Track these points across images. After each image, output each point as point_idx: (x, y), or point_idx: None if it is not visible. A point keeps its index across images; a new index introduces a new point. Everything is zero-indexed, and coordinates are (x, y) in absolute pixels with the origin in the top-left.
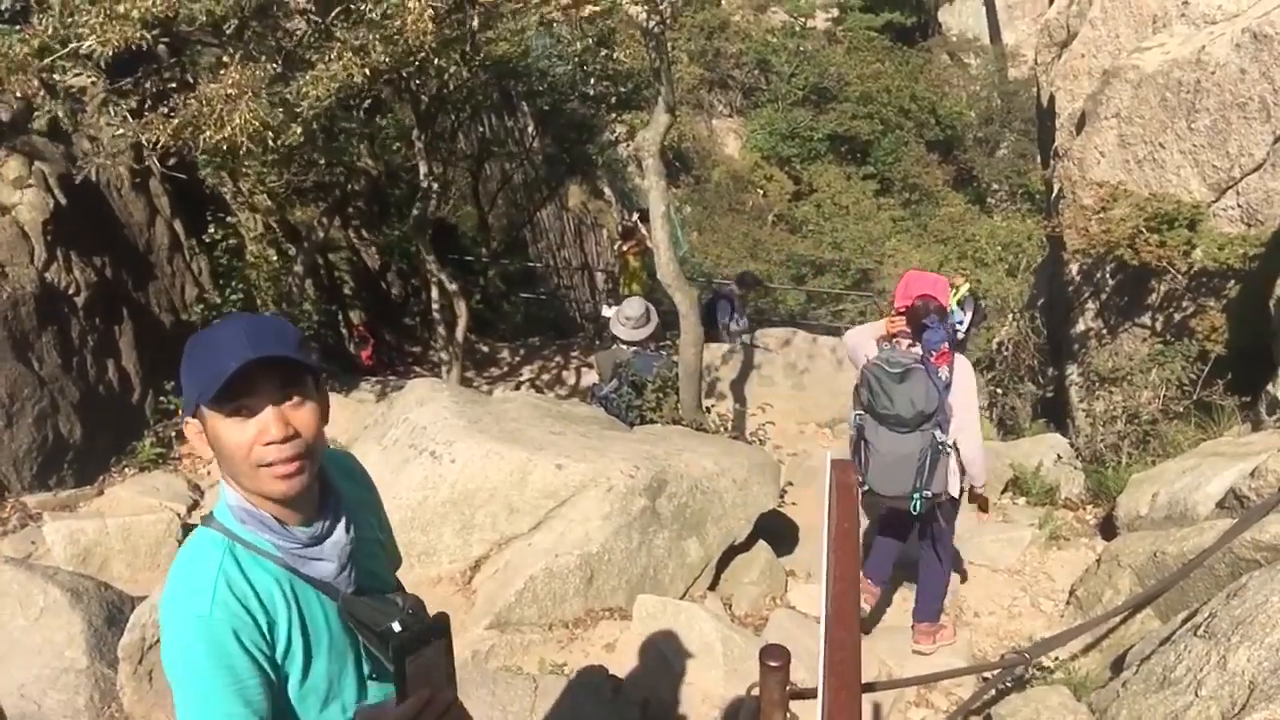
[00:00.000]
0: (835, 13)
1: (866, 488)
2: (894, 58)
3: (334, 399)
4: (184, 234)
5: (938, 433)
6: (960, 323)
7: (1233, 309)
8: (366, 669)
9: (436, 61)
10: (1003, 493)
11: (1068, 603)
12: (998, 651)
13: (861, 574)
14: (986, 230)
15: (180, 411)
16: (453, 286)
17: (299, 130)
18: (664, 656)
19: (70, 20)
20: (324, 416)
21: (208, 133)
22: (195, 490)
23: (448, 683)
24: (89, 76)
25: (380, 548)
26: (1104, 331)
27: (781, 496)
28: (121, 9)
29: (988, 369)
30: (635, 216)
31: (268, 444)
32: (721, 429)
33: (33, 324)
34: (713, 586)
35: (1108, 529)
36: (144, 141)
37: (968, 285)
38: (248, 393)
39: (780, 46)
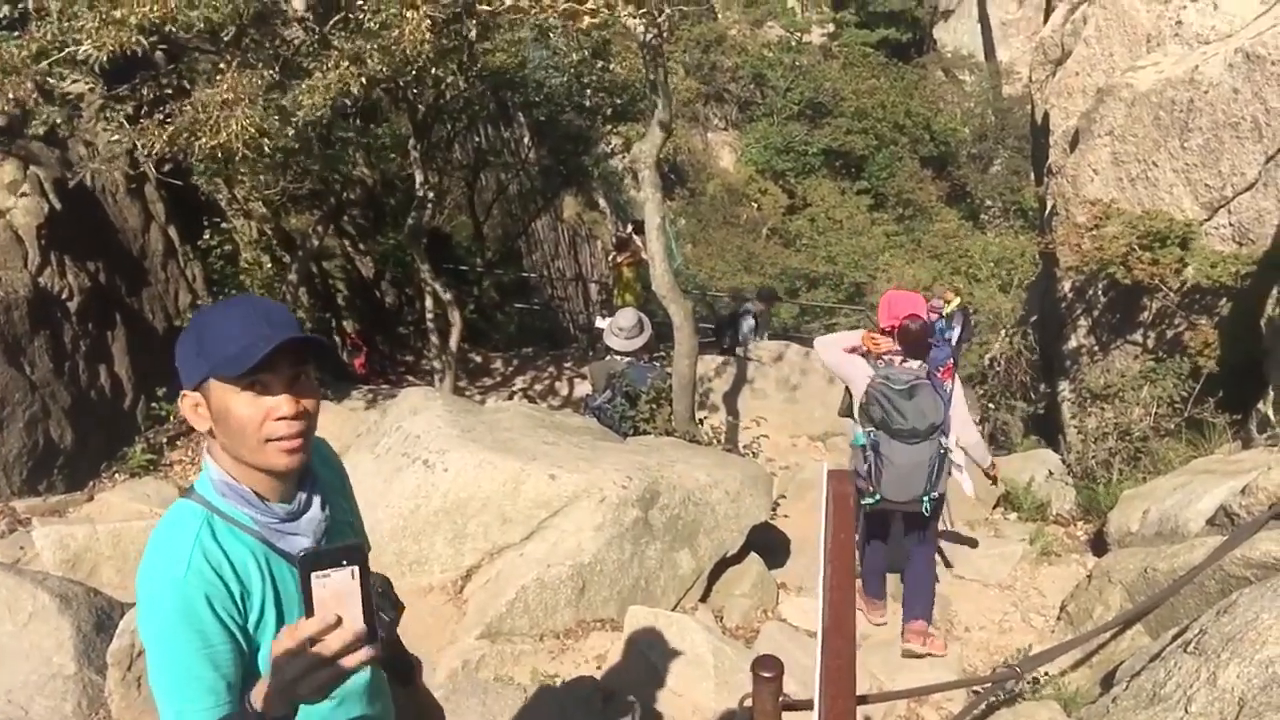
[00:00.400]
0: (831, 28)
1: (877, 498)
2: (889, 74)
3: (327, 407)
4: (178, 240)
5: (943, 439)
6: (949, 338)
7: (1224, 327)
8: None
9: (433, 71)
10: (994, 508)
11: (1058, 618)
12: (989, 666)
13: (863, 594)
14: (980, 246)
15: (173, 415)
16: (447, 296)
17: (294, 137)
18: (655, 668)
19: (67, 25)
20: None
21: (203, 139)
22: None
23: (364, 618)
24: (86, 82)
25: (351, 530)
26: (1096, 348)
27: (774, 509)
28: (118, 14)
29: (980, 384)
30: (630, 228)
31: (279, 419)
32: (714, 441)
33: (25, 328)
34: (704, 598)
35: (1099, 545)
36: (139, 147)
37: (958, 300)
38: (267, 370)
39: (776, 61)
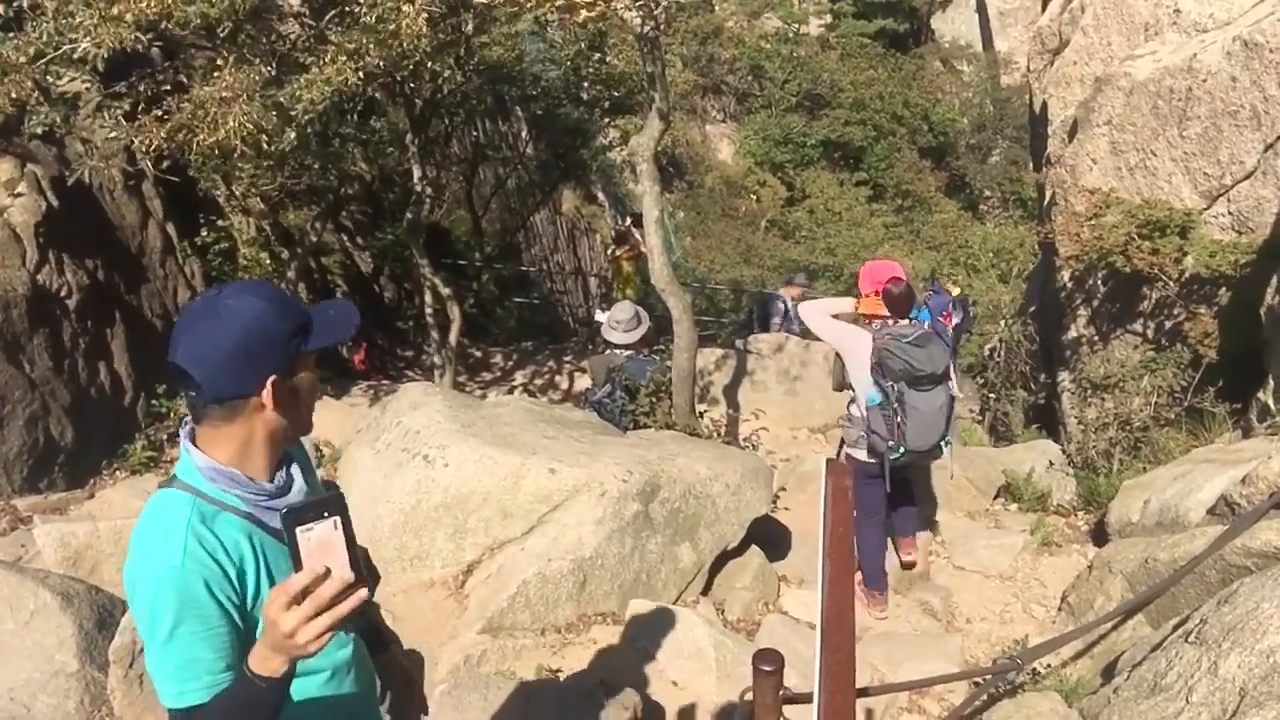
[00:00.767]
0: (828, 19)
1: (902, 451)
2: (887, 64)
3: (327, 402)
4: (177, 237)
5: (950, 385)
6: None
7: (1224, 316)
8: None
9: (430, 65)
10: (995, 499)
11: (1059, 609)
12: (990, 657)
13: (864, 587)
14: (979, 237)
15: (173, 412)
16: (446, 291)
17: (293, 134)
18: (656, 661)
19: (64, 24)
20: None
21: (201, 136)
22: None
23: (351, 567)
24: (84, 81)
25: None
26: (1096, 338)
27: (774, 502)
28: (115, 11)
29: (979, 375)
30: (628, 221)
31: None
32: (715, 434)
33: (24, 326)
34: (705, 591)
35: (1099, 535)
36: (137, 144)
37: (958, 290)
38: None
39: (774, 53)
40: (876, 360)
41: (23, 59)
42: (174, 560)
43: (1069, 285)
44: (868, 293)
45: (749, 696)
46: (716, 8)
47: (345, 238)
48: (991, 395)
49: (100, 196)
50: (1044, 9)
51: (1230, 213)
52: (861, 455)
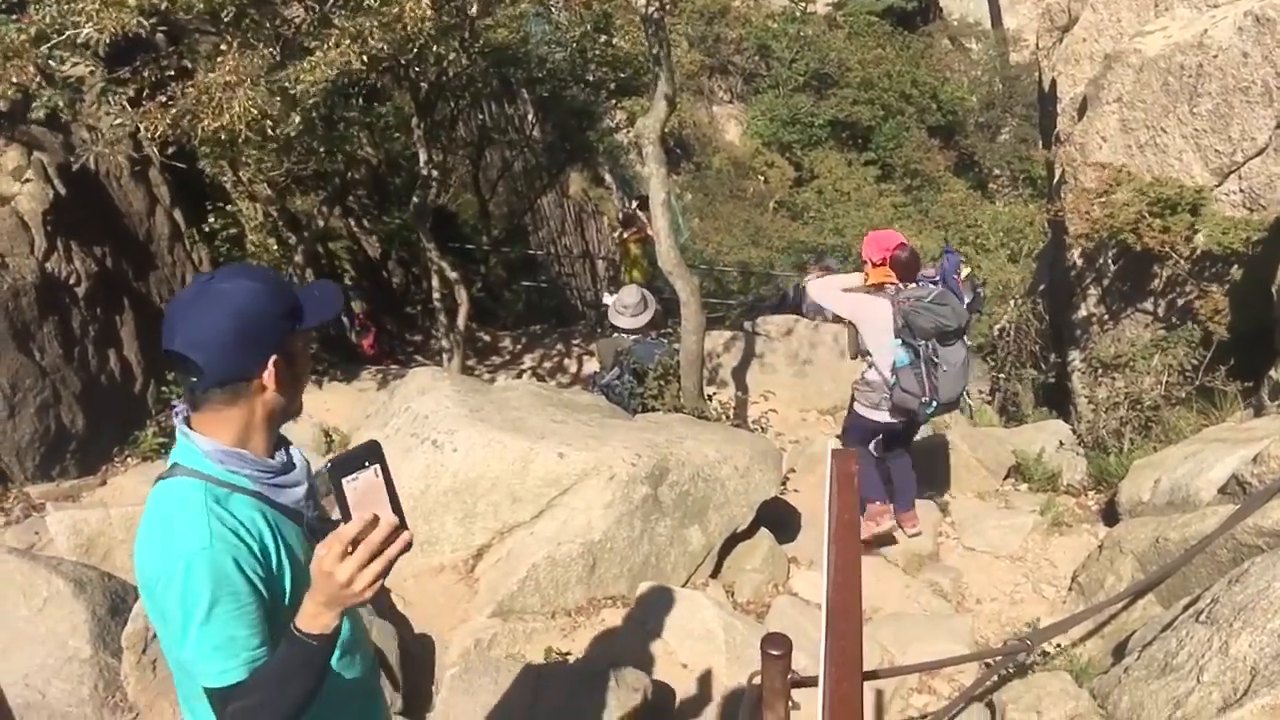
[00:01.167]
0: None
1: (934, 404)
2: (895, 43)
3: (336, 387)
4: (184, 223)
5: (966, 339)
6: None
7: (1235, 294)
8: None
9: (435, 48)
10: (1005, 479)
11: (1070, 589)
12: (1000, 638)
13: (875, 502)
14: (988, 216)
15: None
16: (454, 275)
17: (298, 118)
18: (666, 644)
19: (67, 8)
20: None
21: (206, 121)
22: None
23: (392, 510)
24: (87, 65)
25: None
26: (1106, 317)
27: (783, 484)
28: None
29: (989, 355)
30: (634, 204)
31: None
32: (723, 417)
33: (34, 314)
34: (715, 574)
35: (1110, 515)
36: (143, 130)
37: (968, 270)
38: None
39: (781, 32)
40: (904, 323)
41: (24, 39)
42: (202, 542)
43: (1079, 264)
44: (876, 261)
45: (758, 680)
46: None
47: (352, 222)
48: (1001, 375)
49: (107, 183)
50: None
51: (1241, 190)
52: (882, 417)
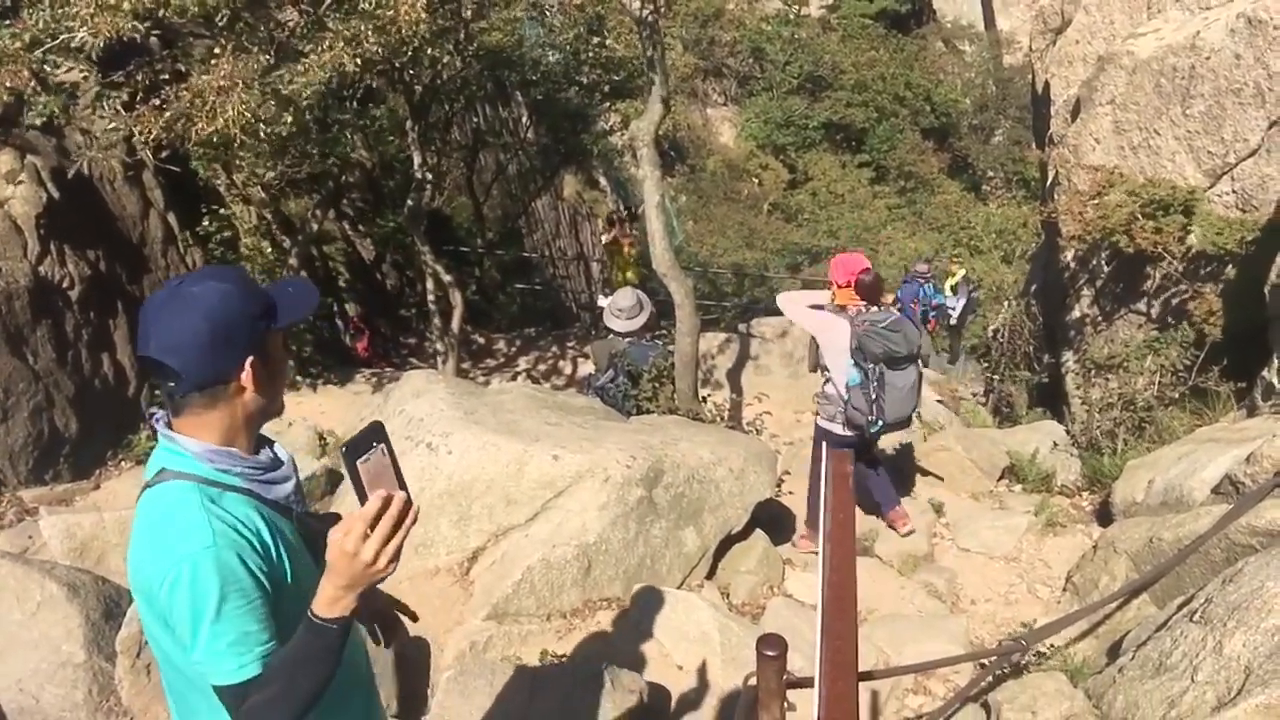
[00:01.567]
0: (829, 0)
1: (879, 424)
2: (888, 45)
3: (330, 390)
4: (178, 227)
5: (919, 364)
6: (953, 309)
7: (1228, 294)
8: None
9: (429, 51)
10: (999, 480)
11: (1064, 589)
12: (995, 638)
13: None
14: (982, 217)
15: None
16: (448, 278)
17: (291, 121)
18: (661, 646)
19: (61, 12)
20: None
21: (200, 125)
22: None
23: (400, 486)
24: (80, 70)
25: None
26: (1099, 318)
27: (778, 485)
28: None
29: (983, 356)
30: (625, 214)
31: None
32: (718, 418)
33: (27, 318)
34: (710, 576)
35: (1104, 515)
36: (136, 134)
37: (963, 272)
38: None
39: (774, 35)
40: (856, 345)
41: (18, 45)
42: (205, 541)
43: (1072, 265)
44: (841, 284)
45: (753, 681)
46: None
47: (346, 225)
48: (995, 376)
49: (100, 187)
50: None
51: (1234, 191)
52: (838, 429)
